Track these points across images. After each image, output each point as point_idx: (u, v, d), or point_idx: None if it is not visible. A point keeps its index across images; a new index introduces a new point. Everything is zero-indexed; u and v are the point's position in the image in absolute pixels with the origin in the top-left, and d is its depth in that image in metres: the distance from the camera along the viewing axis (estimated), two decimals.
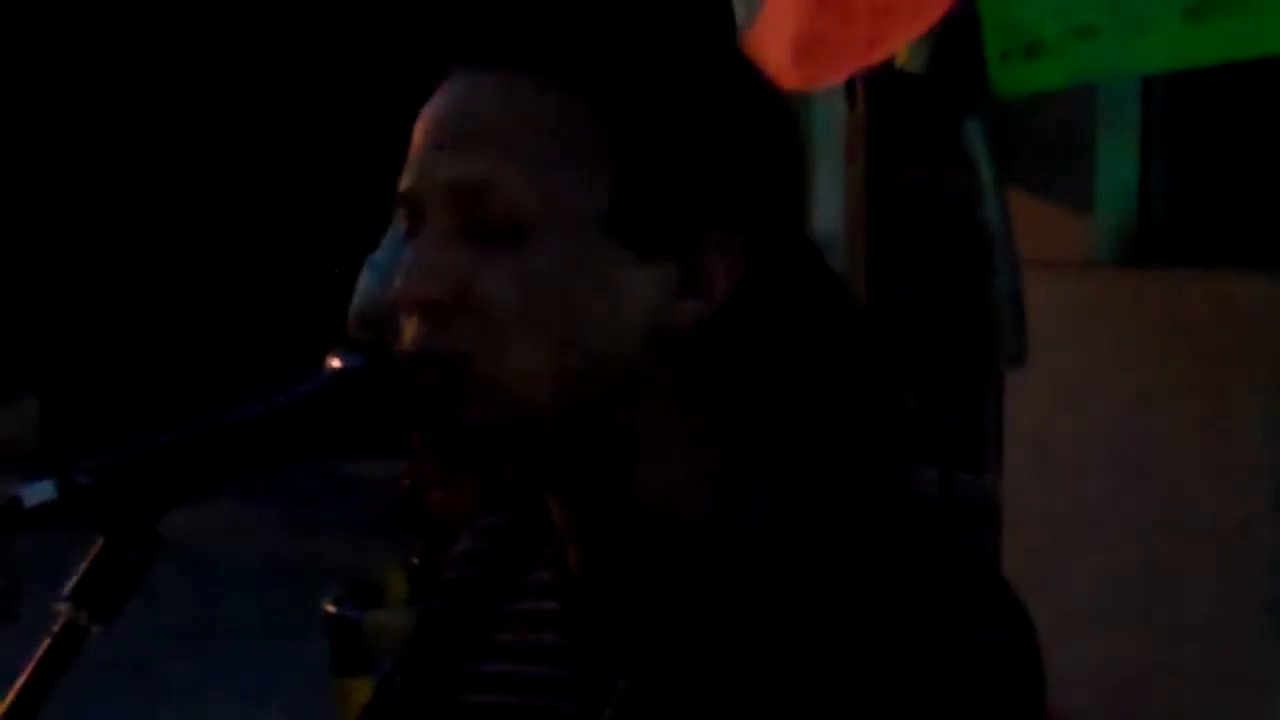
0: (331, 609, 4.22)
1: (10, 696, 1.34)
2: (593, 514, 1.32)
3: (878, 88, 3.86)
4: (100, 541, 1.34)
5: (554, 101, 1.28)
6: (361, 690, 4.21)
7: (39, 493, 1.30)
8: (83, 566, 1.34)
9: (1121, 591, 6.00)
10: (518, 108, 1.28)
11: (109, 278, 12.88)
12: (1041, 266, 5.98)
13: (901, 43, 3.82)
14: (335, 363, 1.35)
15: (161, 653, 7.45)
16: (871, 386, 1.34)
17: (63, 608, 1.33)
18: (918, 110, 3.83)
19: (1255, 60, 3.44)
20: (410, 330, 1.30)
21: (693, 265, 1.28)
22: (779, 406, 1.31)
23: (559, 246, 1.26)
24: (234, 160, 14.16)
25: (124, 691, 6.85)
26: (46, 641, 1.33)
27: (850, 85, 3.86)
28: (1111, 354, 6.10)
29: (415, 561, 3.80)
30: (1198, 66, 3.53)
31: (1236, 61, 3.46)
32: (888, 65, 3.84)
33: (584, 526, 1.33)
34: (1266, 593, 3.27)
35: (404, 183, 1.32)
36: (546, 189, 1.26)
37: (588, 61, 1.28)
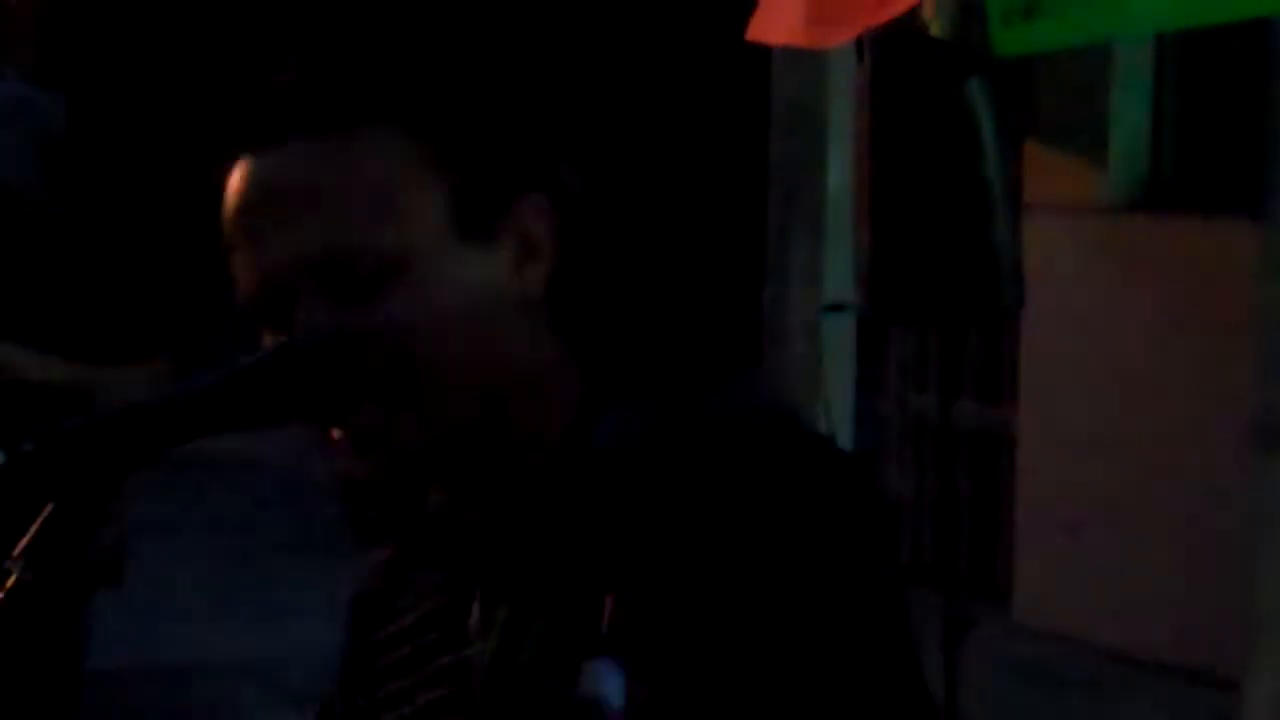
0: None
1: None
2: (468, 459, 1.31)
3: (885, 46, 3.77)
4: (49, 506, 1.30)
5: (375, 147, 1.27)
6: None
7: None
8: (32, 530, 1.30)
9: (1125, 502, 6.01)
10: (344, 165, 1.26)
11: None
12: (1059, 210, 5.96)
13: (911, 2, 3.73)
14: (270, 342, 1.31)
15: (228, 570, 7.44)
16: (690, 308, 1.37)
17: (13, 567, 1.30)
18: (924, 68, 3.74)
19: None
20: None
21: (522, 236, 1.29)
22: (617, 336, 1.33)
23: (426, 268, 1.26)
24: None
25: (192, 610, 6.83)
26: None
27: (860, 43, 3.78)
28: (1121, 290, 6.09)
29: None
30: (1193, 26, 3.42)
31: (1231, 22, 3.35)
32: (899, 24, 3.76)
33: (457, 471, 1.32)
34: (1242, 496, 3.26)
35: (254, 272, 1.28)
36: (399, 227, 1.25)
37: (397, 100, 1.28)
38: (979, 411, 6.71)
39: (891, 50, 3.74)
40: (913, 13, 3.85)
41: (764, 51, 4.27)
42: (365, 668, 1.40)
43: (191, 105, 12.43)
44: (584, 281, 1.33)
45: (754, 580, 1.19)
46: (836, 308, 4.05)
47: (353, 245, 1.25)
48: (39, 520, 1.30)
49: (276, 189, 1.26)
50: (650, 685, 1.21)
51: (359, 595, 1.43)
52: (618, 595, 1.22)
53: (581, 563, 1.24)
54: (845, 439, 4.88)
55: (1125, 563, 6.01)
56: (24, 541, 1.29)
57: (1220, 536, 5.23)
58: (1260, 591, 3.19)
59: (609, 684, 1.22)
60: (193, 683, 5.94)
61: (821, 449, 1.26)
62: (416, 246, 1.25)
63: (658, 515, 1.22)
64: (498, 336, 1.28)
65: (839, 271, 4.04)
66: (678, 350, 1.34)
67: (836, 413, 4.85)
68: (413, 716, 1.34)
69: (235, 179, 1.28)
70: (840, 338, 4.11)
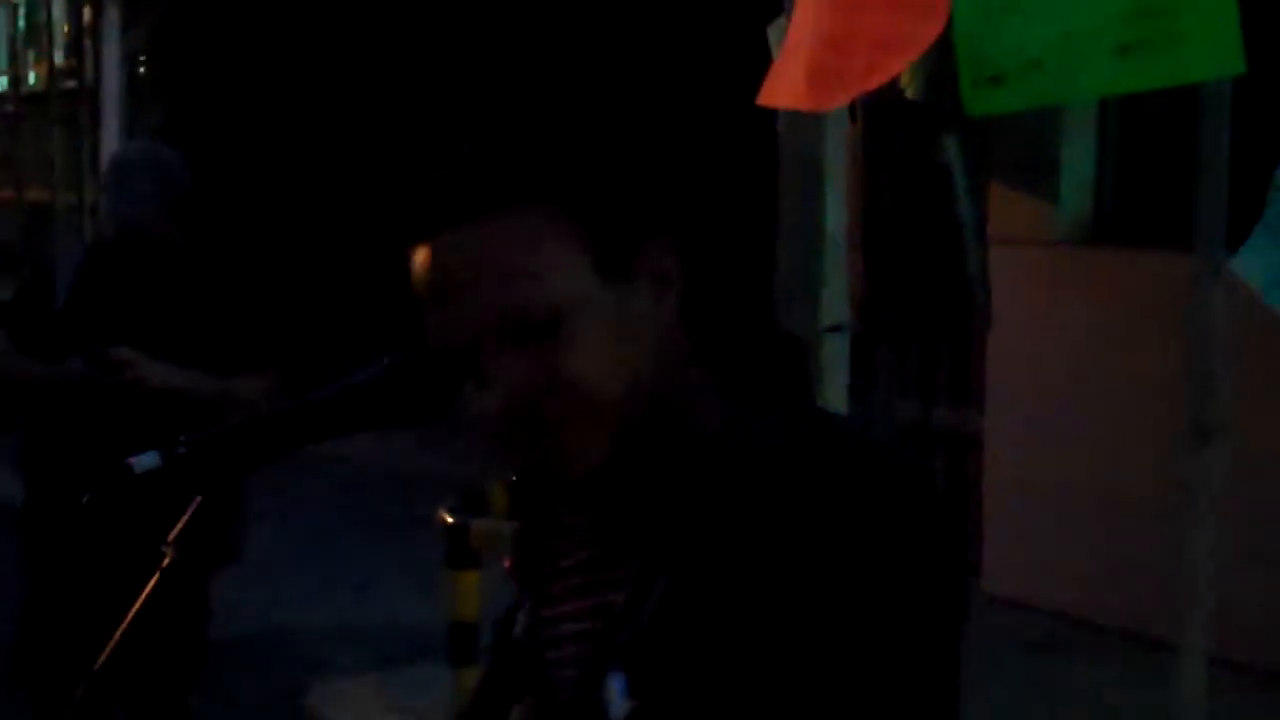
0: (446, 515, 4.20)
1: (127, 620, 1.33)
2: (626, 458, 1.30)
3: (874, 109, 3.79)
4: (197, 500, 1.32)
5: (527, 224, 1.27)
6: (468, 581, 4.19)
7: (146, 462, 1.28)
8: (183, 520, 1.32)
9: (1077, 490, 6.01)
10: (503, 244, 1.27)
11: (343, 255, 12.12)
12: (1017, 243, 5.98)
13: (895, 72, 3.74)
14: (385, 359, 1.33)
15: (323, 549, 7.44)
16: (781, 332, 1.37)
17: (167, 551, 1.32)
18: (906, 127, 3.76)
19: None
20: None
21: (654, 271, 1.31)
22: (737, 347, 1.34)
23: (583, 312, 1.27)
24: None
25: (293, 583, 6.83)
26: (155, 578, 1.32)
27: (852, 107, 3.80)
28: (1071, 311, 6.09)
29: (514, 479, 3.77)
30: (1128, 93, 3.44)
31: (1161, 89, 3.36)
32: (885, 90, 3.78)
33: (614, 468, 1.31)
34: (1176, 482, 3.26)
35: (443, 334, 1.28)
36: (556, 285, 1.26)
37: (540, 182, 1.28)
38: (952, 415, 6.73)
39: (879, 112, 3.77)
40: (895, 81, 3.88)
41: (771, 114, 4.30)
42: (535, 601, 1.40)
43: (295, 156, 12.28)
44: (709, 302, 1.35)
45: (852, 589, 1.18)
46: (833, 328, 4.06)
47: (520, 308, 1.26)
48: (189, 510, 1.32)
49: (450, 270, 1.27)
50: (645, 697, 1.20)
51: (516, 561, 1.43)
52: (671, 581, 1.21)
53: (720, 544, 1.22)
54: None
55: (1077, 541, 6.03)
56: (178, 528, 1.32)
57: (1157, 517, 5.24)
58: (1189, 563, 3.21)
59: (616, 693, 1.23)
60: (296, 645, 5.96)
61: (917, 470, 1.26)
62: (572, 297, 1.26)
63: (795, 513, 1.20)
64: (650, 357, 1.29)
65: (835, 298, 4.06)
66: (778, 363, 1.35)
67: None
68: (564, 639, 1.34)
69: (417, 261, 1.29)
70: (836, 353, 4.13)
